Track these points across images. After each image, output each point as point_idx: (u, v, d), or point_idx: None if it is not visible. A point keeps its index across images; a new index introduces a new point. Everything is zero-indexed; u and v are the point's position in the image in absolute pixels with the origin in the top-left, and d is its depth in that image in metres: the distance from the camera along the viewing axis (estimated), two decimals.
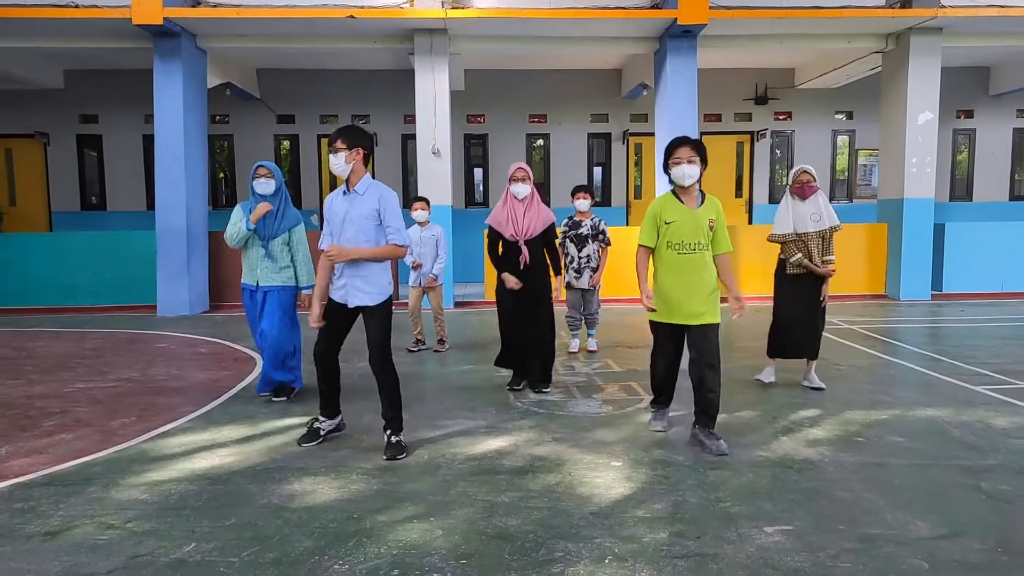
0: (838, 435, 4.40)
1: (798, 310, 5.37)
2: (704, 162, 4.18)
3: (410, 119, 11.71)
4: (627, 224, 13.70)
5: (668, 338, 4.32)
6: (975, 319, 8.85)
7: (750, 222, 13.82)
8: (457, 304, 10.46)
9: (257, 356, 6.88)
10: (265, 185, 5.17)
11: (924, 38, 10.26)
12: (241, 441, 4.42)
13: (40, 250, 10.58)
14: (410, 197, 12.93)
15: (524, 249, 5.28)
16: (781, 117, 13.87)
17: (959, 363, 6.34)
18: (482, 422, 4.76)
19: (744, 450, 4.14)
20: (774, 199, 13.79)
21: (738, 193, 13.96)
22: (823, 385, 5.47)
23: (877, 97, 11.42)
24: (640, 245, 4.32)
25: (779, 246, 5.46)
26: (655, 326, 4.37)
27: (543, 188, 13.70)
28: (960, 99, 13.61)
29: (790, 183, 5.41)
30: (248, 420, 4.85)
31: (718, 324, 4.21)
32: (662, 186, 10.59)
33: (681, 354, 4.39)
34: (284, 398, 5.34)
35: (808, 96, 13.68)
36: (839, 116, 13.98)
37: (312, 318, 4.19)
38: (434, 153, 10.16)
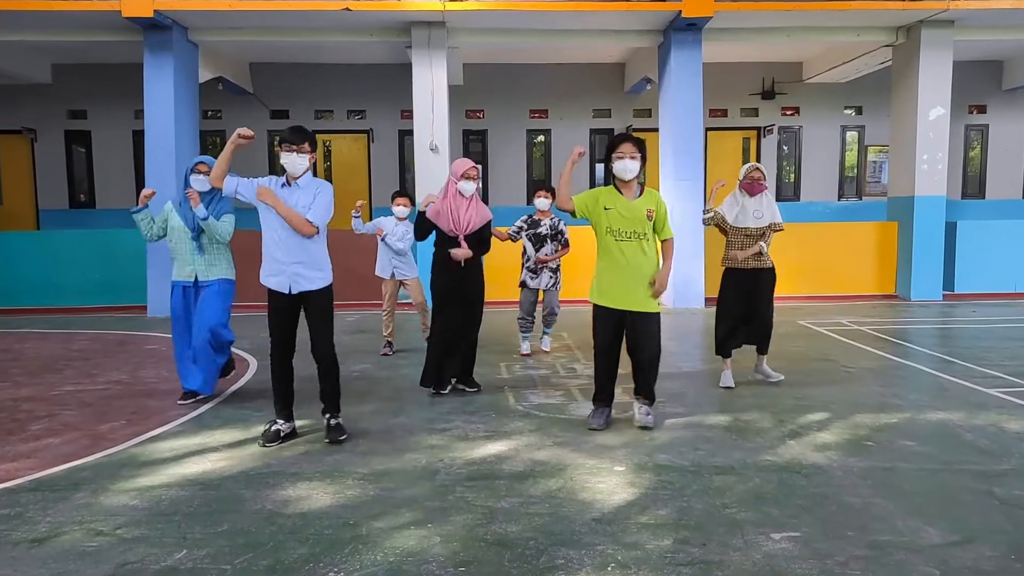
0: (847, 439, 4.40)
1: (742, 304, 5.56)
2: (644, 159, 4.57)
3: (407, 114, 11.70)
4: None
5: (605, 322, 4.58)
6: (988, 320, 8.84)
7: None
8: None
9: (250, 357, 6.88)
10: (202, 182, 5.12)
11: (935, 31, 10.25)
12: (233, 445, 4.41)
13: (27, 249, 10.58)
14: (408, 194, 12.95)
15: (463, 244, 5.35)
16: (788, 112, 13.87)
17: (971, 365, 6.34)
18: (481, 426, 4.76)
19: (750, 454, 4.14)
20: (782, 197, 13.78)
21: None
22: (781, 376, 5.76)
23: (887, 92, 11.42)
24: (573, 197, 4.62)
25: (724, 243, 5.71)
26: (594, 309, 4.63)
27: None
28: (972, 94, 13.61)
29: (741, 178, 5.63)
30: (241, 424, 4.85)
31: (658, 314, 4.58)
32: (666, 183, 10.59)
33: (620, 342, 4.63)
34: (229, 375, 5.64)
35: (816, 91, 13.68)
36: (848, 111, 13.98)
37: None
38: (432, 149, 10.16)
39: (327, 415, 4.46)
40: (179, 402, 5.36)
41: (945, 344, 7.52)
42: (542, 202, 6.83)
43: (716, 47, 10.76)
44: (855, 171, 14.13)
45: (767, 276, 5.57)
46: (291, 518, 3.34)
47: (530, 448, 4.31)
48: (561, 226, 6.84)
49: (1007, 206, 13.96)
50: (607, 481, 3.76)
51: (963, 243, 10.86)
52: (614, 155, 4.53)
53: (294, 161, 4.21)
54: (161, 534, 3.18)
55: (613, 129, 13.80)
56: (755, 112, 13.79)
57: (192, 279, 5.23)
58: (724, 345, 5.66)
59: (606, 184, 4.75)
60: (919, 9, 9.84)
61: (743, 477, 3.79)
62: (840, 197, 13.98)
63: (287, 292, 4.27)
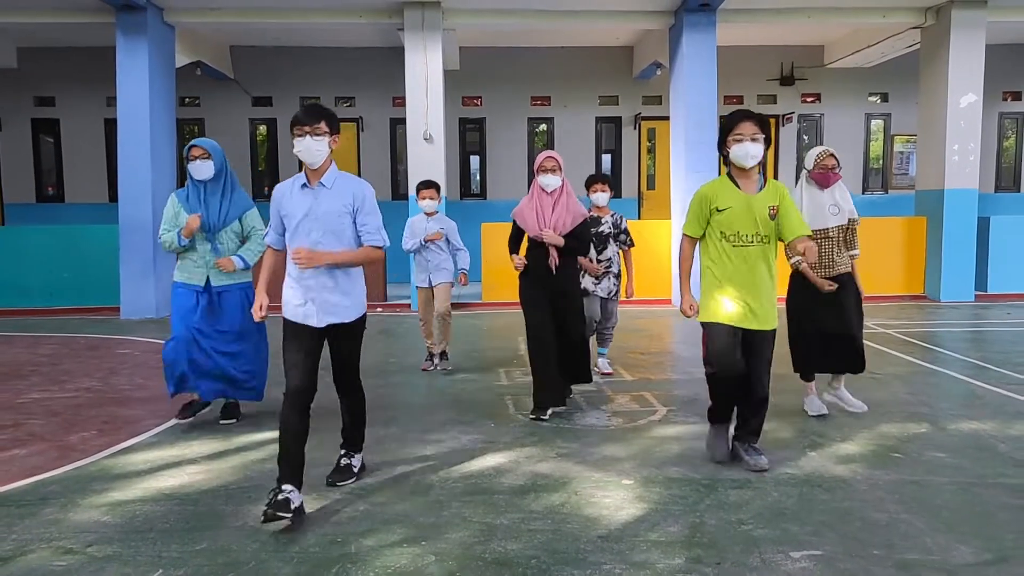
0: (872, 450, 4.40)
1: (828, 317, 4.89)
2: (768, 141, 4.04)
3: (400, 102, 11.72)
4: (639, 217, 13.71)
5: (725, 341, 4.01)
6: (1023, 322, 8.84)
7: None
8: (451, 306, 10.44)
9: None
10: (202, 168, 4.80)
11: (967, 12, 10.26)
12: (212, 457, 4.42)
13: None
14: (401, 187, 12.97)
15: (553, 251, 5.04)
16: (809, 99, 13.88)
17: (1006, 371, 6.34)
18: (479, 436, 4.76)
19: (768, 466, 4.14)
20: None
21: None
22: (863, 406, 5.10)
23: (915, 77, 11.43)
24: (684, 235, 4.18)
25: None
26: (709, 328, 4.09)
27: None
28: (1007, 79, 13.62)
29: (810, 167, 4.97)
30: (220, 434, 4.85)
31: (775, 330, 4.07)
32: (678, 176, 10.59)
33: (742, 358, 4.06)
34: (234, 420, 5.13)
35: (839, 76, 13.69)
36: (873, 98, 13.99)
37: (256, 308, 3.80)
38: (426, 139, 10.16)
39: (343, 450, 4.15)
40: (177, 419, 5.06)
41: (978, 348, 7.52)
42: (601, 197, 6.22)
43: (731, 29, 10.77)
44: (880, 162, 14.14)
45: (849, 281, 4.97)
46: (274, 535, 3.33)
47: (531, 460, 4.30)
48: (624, 223, 6.35)
49: None
50: (614, 495, 3.76)
51: (996, 240, 10.86)
52: (731, 137, 3.96)
53: (309, 147, 3.60)
54: (135, 552, 3.18)
55: (621, 117, 13.81)
56: (773, 99, 13.79)
57: (203, 282, 4.88)
58: (804, 369, 5.16)
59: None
60: None
61: (760, 491, 3.79)
62: (864, 190, 13.99)
63: (309, 326, 3.87)
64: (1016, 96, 13.94)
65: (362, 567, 3.04)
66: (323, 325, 3.70)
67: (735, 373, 4.02)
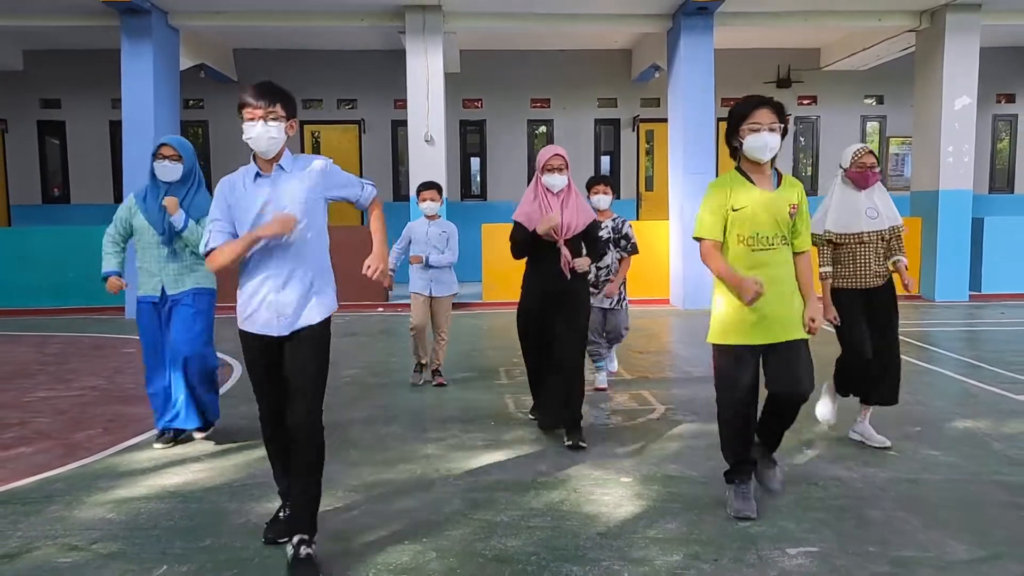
0: (868, 448, 4.39)
1: (868, 335, 4.29)
2: (785, 131, 3.50)
3: (401, 104, 11.72)
4: (637, 218, 13.71)
5: (740, 367, 3.43)
6: (1017, 322, 8.84)
7: None
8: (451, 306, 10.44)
9: (233, 361, 6.87)
10: (170, 170, 4.33)
11: (962, 15, 10.25)
12: (216, 455, 4.42)
13: None
14: (402, 189, 12.97)
15: (566, 251, 4.52)
16: (805, 102, 13.88)
17: (1000, 370, 6.34)
18: (479, 434, 4.76)
19: None
20: None
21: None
22: (887, 441, 4.39)
23: (910, 80, 11.43)
24: (703, 240, 3.48)
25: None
26: (722, 353, 3.50)
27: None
28: (1001, 82, 13.62)
29: (846, 166, 4.40)
30: (224, 432, 4.85)
31: (808, 340, 3.53)
32: (676, 177, 10.59)
33: (758, 391, 3.52)
34: (206, 433, 4.70)
35: (835, 79, 13.68)
36: (868, 101, 13.99)
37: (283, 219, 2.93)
38: (427, 141, 10.16)
39: (295, 536, 3.03)
40: (156, 445, 4.55)
41: (972, 348, 7.52)
42: (602, 200, 5.65)
43: (728, 32, 10.76)
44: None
45: (883, 294, 4.34)
46: None
47: (531, 458, 4.31)
48: (626, 228, 5.71)
49: None
50: (613, 493, 3.76)
51: (991, 240, 10.86)
52: (745, 126, 3.39)
53: (263, 134, 2.94)
54: (140, 549, 3.18)
55: (619, 119, 13.81)
56: None
57: (159, 292, 4.46)
58: (841, 382, 4.51)
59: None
60: None
61: (757, 489, 3.78)
62: None
63: (269, 336, 3.17)
64: (1010, 98, 13.94)
65: (364, 564, 3.04)
66: (287, 332, 3.02)
67: (751, 405, 3.46)
